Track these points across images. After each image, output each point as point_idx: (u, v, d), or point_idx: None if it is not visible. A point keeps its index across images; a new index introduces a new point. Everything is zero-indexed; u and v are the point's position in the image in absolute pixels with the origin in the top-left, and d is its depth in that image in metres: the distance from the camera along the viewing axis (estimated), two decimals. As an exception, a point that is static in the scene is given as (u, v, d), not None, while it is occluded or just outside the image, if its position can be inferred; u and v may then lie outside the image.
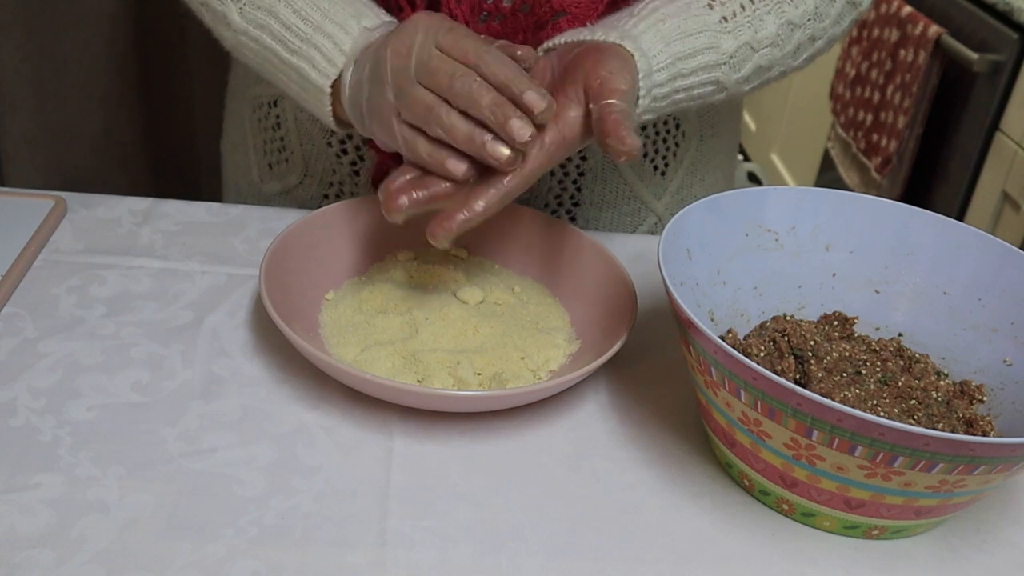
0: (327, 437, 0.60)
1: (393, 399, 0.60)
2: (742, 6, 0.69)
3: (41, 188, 0.81)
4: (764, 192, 0.68)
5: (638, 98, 0.64)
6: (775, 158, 2.71)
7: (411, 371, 0.63)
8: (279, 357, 0.66)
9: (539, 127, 0.60)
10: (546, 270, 0.75)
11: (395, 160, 0.78)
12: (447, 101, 0.59)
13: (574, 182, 0.84)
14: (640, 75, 0.63)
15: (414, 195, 0.60)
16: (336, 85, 0.66)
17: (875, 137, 1.94)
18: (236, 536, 0.52)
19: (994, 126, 1.67)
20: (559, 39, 0.66)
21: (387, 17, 0.67)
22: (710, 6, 0.68)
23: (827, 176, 2.23)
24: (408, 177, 0.61)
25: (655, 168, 0.86)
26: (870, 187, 1.97)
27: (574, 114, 0.61)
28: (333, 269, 0.72)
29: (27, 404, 0.59)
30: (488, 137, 0.58)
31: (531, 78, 0.59)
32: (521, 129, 0.57)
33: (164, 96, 1.61)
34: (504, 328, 0.67)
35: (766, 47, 0.70)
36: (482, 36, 0.61)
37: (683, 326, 0.57)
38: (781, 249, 0.68)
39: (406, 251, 0.75)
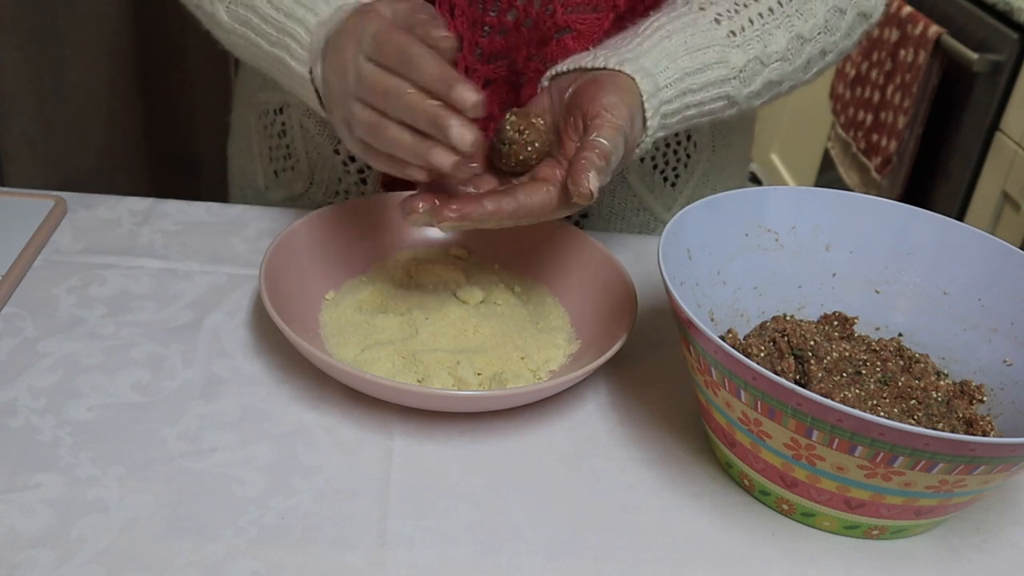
0: (327, 437, 0.60)
1: (393, 399, 0.60)
2: (750, 20, 0.69)
3: (41, 188, 0.81)
4: (764, 192, 0.68)
5: (645, 120, 0.64)
6: (775, 158, 2.71)
7: (411, 371, 0.63)
8: (279, 357, 0.66)
9: (540, 156, 0.61)
10: (546, 270, 0.75)
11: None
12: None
13: None
14: (644, 96, 0.63)
15: (437, 202, 0.58)
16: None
17: (875, 137, 1.93)
18: (236, 536, 0.52)
19: (994, 126, 1.67)
20: (562, 67, 0.65)
21: None
22: (716, 20, 0.68)
23: (827, 176, 2.23)
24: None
25: (665, 179, 0.85)
26: (870, 187, 1.97)
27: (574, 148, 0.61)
28: (333, 269, 0.72)
29: (27, 404, 0.59)
30: (431, 146, 0.56)
31: (456, 74, 0.55)
32: (461, 136, 0.54)
33: (164, 96, 1.61)
34: (504, 328, 0.67)
35: (776, 61, 0.70)
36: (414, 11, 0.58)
37: (683, 326, 0.57)
38: (781, 249, 0.68)
39: (406, 251, 0.75)
